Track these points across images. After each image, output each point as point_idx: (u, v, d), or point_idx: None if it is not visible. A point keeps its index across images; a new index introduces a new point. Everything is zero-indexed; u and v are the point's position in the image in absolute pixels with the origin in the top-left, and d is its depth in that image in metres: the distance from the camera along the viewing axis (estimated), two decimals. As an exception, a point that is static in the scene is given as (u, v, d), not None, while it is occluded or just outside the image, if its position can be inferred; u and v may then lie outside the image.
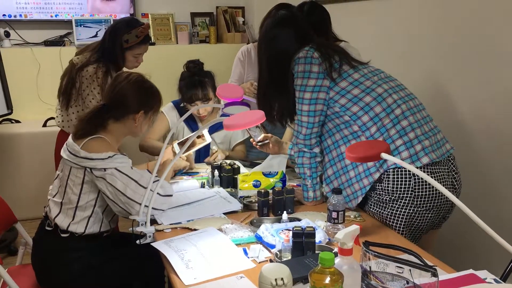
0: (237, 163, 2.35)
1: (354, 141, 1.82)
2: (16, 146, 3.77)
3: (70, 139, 1.94)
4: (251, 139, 2.24)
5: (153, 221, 1.85)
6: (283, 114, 2.03)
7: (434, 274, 1.15)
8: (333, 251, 1.42)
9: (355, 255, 1.23)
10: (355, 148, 1.41)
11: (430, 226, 1.85)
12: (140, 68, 2.72)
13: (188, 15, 4.83)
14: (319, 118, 1.88)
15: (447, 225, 2.00)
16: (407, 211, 1.75)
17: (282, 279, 1.17)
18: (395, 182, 1.74)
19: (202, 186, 2.24)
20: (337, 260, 1.18)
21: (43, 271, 1.96)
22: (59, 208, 1.92)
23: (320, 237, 1.58)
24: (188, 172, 2.43)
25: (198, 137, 2.41)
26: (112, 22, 4.32)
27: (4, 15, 4.20)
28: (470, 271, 1.39)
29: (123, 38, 2.62)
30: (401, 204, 1.75)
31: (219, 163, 2.35)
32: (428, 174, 1.73)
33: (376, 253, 1.23)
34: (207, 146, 2.60)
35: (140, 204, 1.78)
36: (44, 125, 3.90)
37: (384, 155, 1.32)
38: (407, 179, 1.72)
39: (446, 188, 1.46)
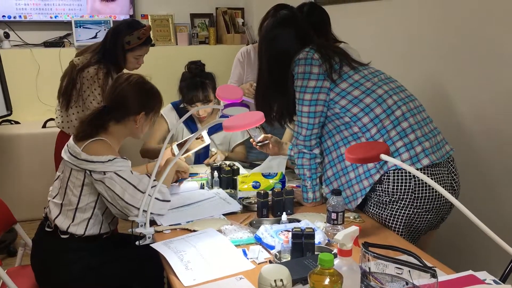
0: (237, 164, 2.35)
1: (354, 142, 1.82)
2: (16, 147, 3.77)
3: (71, 140, 1.94)
4: (251, 140, 2.24)
5: (153, 222, 1.85)
6: (282, 114, 2.03)
7: (434, 275, 1.15)
8: (333, 252, 1.42)
9: (355, 256, 1.23)
10: (355, 149, 1.41)
11: (429, 227, 1.85)
12: (139, 69, 2.72)
13: (188, 16, 4.83)
14: (319, 119, 1.88)
15: (447, 226, 2.00)
16: (406, 212, 1.75)
17: (281, 280, 1.16)
18: (395, 184, 1.74)
19: (202, 187, 2.24)
20: (336, 261, 1.17)
21: (43, 272, 1.96)
22: (59, 210, 1.92)
23: (319, 238, 1.58)
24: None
25: (197, 138, 2.41)
26: (111, 23, 4.33)
27: (3, 16, 4.20)
28: (470, 272, 1.39)
29: (124, 40, 2.63)
30: (401, 205, 1.75)
31: (218, 164, 2.35)
32: (428, 176, 1.73)
33: (375, 254, 1.23)
34: (207, 148, 2.60)
35: (138, 208, 1.78)
36: (44, 126, 3.90)
37: (383, 156, 1.32)
38: (408, 181, 1.72)
39: (445, 189, 1.46)
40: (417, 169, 1.72)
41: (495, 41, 2.22)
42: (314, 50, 1.85)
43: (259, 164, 2.44)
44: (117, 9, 4.55)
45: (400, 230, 1.77)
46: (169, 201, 1.91)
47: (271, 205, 1.90)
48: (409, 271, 1.18)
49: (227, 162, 2.36)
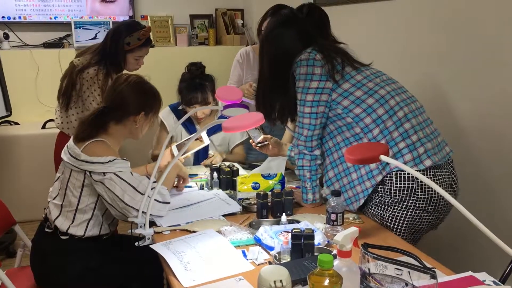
0: (236, 165, 2.35)
1: (355, 143, 1.81)
2: (15, 148, 3.77)
3: (71, 141, 1.94)
4: (251, 140, 2.24)
5: (152, 223, 1.84)
6: (283, 114, 2.02)
7: (433, 276, 1.15)
8: (332, 253, 1.42)
9: (354, 257, 1.23)
10: (354, 150, 1.41)
11: (429, 228, 1.85)
12: (139, 70, 2.73)
13: (187, 17, 4.83)
14: (320, 120, 1.87)
15: (446, 227, 2.00)
16: (409, 213, 1.75)
17: (281, 281, 1.16)
18: (398, 185, 1.73)
19: (201, 188, 2.24)
20: (336, 262, 1.17)
21: (42, 272, 1.96)
22: (59, 211, 1.92)
23: (319, 239, 1.58)
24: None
25: (197, 139, 2.41)
26: (111, 24, 4.34)
27: (3, 17, 4.20)
28: (469, 273, 1.39)
29: (124, 41, 2.63)
30: (403, 206, 1.75)
31: (218, 165, 2.35)
32: (430, 177, 1.73)
33: (375, 255, 1.23)
34: (206, 148, 2.60)
35: (137, 210, 1.78)
36: (43, 127, 3.90)
37: (383, 157, 1.32)
38: (410, 182, 1.72)
39: (446, 191, 1.46)
40: (420, 170, 1.72)
41: (495, 41, 2.22)
42: (316, 51, 1.85)
43: (258, 165, 2.44)
44: (116, 10, 4.55)
45: (402, 231, 1.77)
46: (168, 203, 1.91)
47: (270, 206, 1.90)
48: (409, 272, 1.18)
49: (227, 163, 2.36)
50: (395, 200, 1.75)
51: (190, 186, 2.24)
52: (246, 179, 2.08)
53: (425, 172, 1.73)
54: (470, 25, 2.34)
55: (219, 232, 1.74)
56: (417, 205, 1.74)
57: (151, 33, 2.75)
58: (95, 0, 4.46)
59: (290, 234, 1.53)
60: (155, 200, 1.81)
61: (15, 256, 2.28)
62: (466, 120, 2.41)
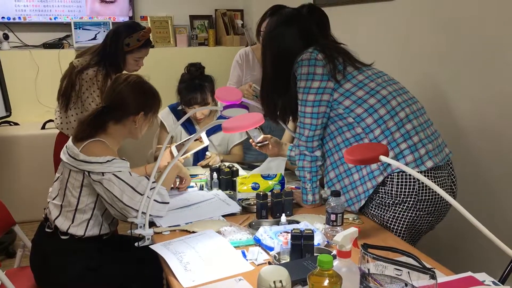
0: (236, 165, 2.35)
1: (356, 144, 1.81)
2: (15, 148, 3.77)
3: (70, 141, 1.94)
4: (250, 140, 2.24)
5: (152, 224, 1.84)
6: (285, 113, 2.02)
7: (433, 277, 1.15)
8: (332, 254, 1.42)
9: (354, 257, 1.23)
10: (353, 150, 1.41)
11: (429, 229, 1.85)
12: (139, 70, 2.73)
13: (187, 17, 4.83)
14: (322, 120, 1.87)
15: (446, 228, 2.00)
16: (409, 214, 1.75)
17: (280, 281, 1.16)
18: (399, 186, 1.73)
19: (201, 188, 2.24)
20: (335, 263, 1.17)
21: (42, 272, 1.96)
22: (59, 211, 1.92)
23: (318, 239, 1.58)
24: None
25: (196, 139, 2.41)
26: (111, 25, 4.34)
27: (3, 17, 4.20)
28: (469, 273, 1.39)
29: (124, 42, 2.63)
30: (404, 207, 1.75)
31: (217, 165, 2.35)
32: (431, 179, 1.73)
33: (374, 256, 1.23)
34: (205, 149, 2.61)
35: (137, 210, 1.78)
36: (43, 127, 3.89)
37: (382, 158, 1.32)
38: (411, 183, 1.72)
39: (445, 192, 1.46)
40: (422, 172, 1.72)
41: (495, 42, 2.22)
42: (318, 51, 1.84)
43: (258, 166, 2.44)
44: (116, 11, 4.55)
45: (402, 232, 1.77)
46: (167, 203, 1.91)
47: (270, 207, 1.90)
48: (408, 272, 1.18)
49: (226, 164, 2.36)
50: (396, 201, 1.75)
51: (192, 186, 2.24)
52: (245, 180, 2.08)
53: (426, 174, 1.73)
54: (470, 25, 2.34)
55: (219, 232, 1.74)
56: (418, 206, 1.74)
57: (150, 34, 2.75)
58: (95, 1, 4.46)
59: (289, 235, 1.53)
60: (154, 200, 1.80)
61: (15, 256, 2.28)
62: (466, 120, 2.41)
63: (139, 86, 2.00)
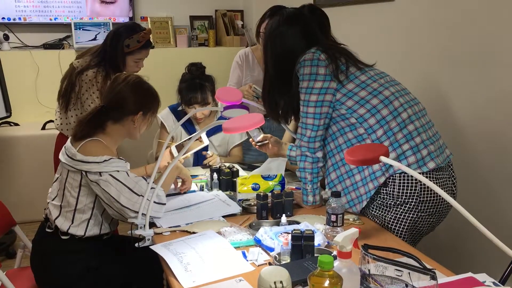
0: (236, 166, 2.35)
1: (358, 144, 1.81)
2: (15, 149, 3.77)
3: (68, 142, 1.94)
4: (250, 139, 2.24)
5: (152, 224, 1.85)
6: (287, 111, 2.01)
7: (433, 277, 1.15)
8: (332, 254, 1.42)
9: (354, 258, 1.23)
10: (354, 151, 1.41)
11: (430, 230, 1.85)
12: (139, 71, 2.73)
13: (187, 18, 4.83)
14: (324, 121, 1.86)
15: (446, 228, 2.00)
16: (411, 216, 1.75)
17: (281, 282, 1.16)
18: (401, 187, 1.73)
19: (201, 189, 2.24)
20: (336, 263, 1.18)
21: (43, 273, 1.96)
22: (59, 211, 1.92)
23: (319, 240, 1.58)
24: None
25: (196, 139, 2.41)
26: (111, 26, 4.33)
27: (3, 18, 4.20)
28: (469, 274, 1.39)
29: (124, 43, 2.62)
30: (406, 208, 1.75)
31: (218, 166, 2.35)
32: (432, 180, 1.73)
33: (375, 256, 1.23)
34: (206, 149, 2.61)
35: (134, 211, 1.79)
36: (43, 128, 3.90)
37: (382, 158, 1.32)
38: (413, 184, 1.72)
39: (446, 193, 1.46)
40: (423, 173, 1.72)
41: (496, 42, 2.22)
42: (321, 51, 1.83)
43: (258, 166, 2.44)
44: (116, 11, 4.56)
45: (403, 233, 1.77)
46: (164, 204, 1.90)
47: (270, 207, 1.90)
48: (409, 273, 1.18)
49: (227, 164, 2.36)
50: (398, 202, 1.75)
51: (194, 191, 2.23)
52: (246, 180, 2.08)
53: (427, 175, 1.73)
54: (471, 25, 2.34)
55: (219, 233, 1.74)
56: (419, 208, 1.74)
57: (151, 35, 2.75)
58: (95, 1, 4.47)
59: (290, 235, 1.53)
60: (148, 199, 1.80)
61: (15, 257, 2.28)
62: (466, 121, 2.41)
63: (138, 86, 2.00)
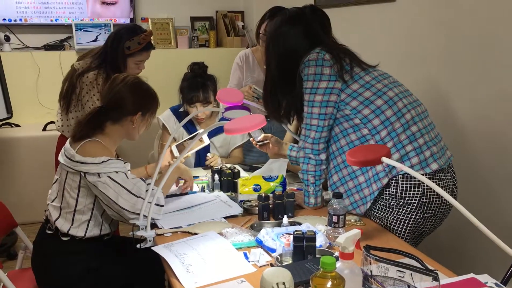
0: (237, 167, 2.35)
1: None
2: (16, 150, 3.77)
3: (67, 143, 1.94)
4: (251, 139, 2.24)
5: (154, 225, 1.84)
6: (290, 111, 2.00)
7: (436, 278, 1.15)
8: (334, 255, 1.42)
9: (356, 259, 1.23)
10: (355, 152, 1.41)
11: (431, 230, 1.85)
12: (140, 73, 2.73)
13: (188, 19, 4.84)
14: (328, 122, 1.85)
15: (447, 229, 2.00)
16: (413, 217, 1.75)
17: (283, 283, 1.16)
18: (404, 188, 1.73)
19: (202, 190, 2.24)
20: (338, 264, 1.17)
21: (43, 274, 1.97)
22: (59, 213, 1.92)
23: (320, 241, 1.58)
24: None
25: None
26: (112, 27, 4.34)
27: (4, 19, 4.20)
28: (471, 275, 1.38)
29: (125, 45, 2.62)
30: (408, 209, 1.75)
31: (219, 167, 2.35)
32: (435, 181, 1.73)
33: (377, 257, 1.23)
34: (207, 149, 2.61)
35: (133, 212, 1.79)
36: (44, 129, 3.90)
37: (384, 159, 1.32)
38: (416, 185, 1.72)
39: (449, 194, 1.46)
40: (426, 174, 1.72)
41: (497, 43, 2.22)
42: (325, 51, 1.83)
43: (259, 167, 2.44)
44: (117, 13, 4.56)
45: (406, 234, 1.77)
46: (162, 206, 1.90)
47: (272, 208, 1.90)
48: (411, 274, 1.18)
49: (228, 165, 2.36)
50: (400, 203, 1.75)
51: (195, 192, 2.23)
52: (247, 181, 2.08)
53: (430, 176, 1.73)
54: (472, 26, 2.34)
55: (221, 234, 1.74)
56: (422, 209, 1.74)
57: (151, 36, 2.74)
58: (96, 2, 4.47)
59: (291, 236, 1.53)
60: (149, 202, 1.80)
61: (16, 258, 2.28)
62: (466, 121, 2.41)
63: (137, 87, 2.00)
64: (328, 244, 1.61)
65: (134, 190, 1.82)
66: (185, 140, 2.44)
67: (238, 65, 2.99)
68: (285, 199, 1.90)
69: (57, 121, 2.79)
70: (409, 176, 1.72)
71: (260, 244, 1.64)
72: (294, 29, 1.91)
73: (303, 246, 1.49)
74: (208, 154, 2.62)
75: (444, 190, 1.65)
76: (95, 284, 1.91)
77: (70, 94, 2.66)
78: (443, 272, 1.43)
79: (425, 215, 1.75)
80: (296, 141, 2.23)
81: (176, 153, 2.35)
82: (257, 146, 2.22)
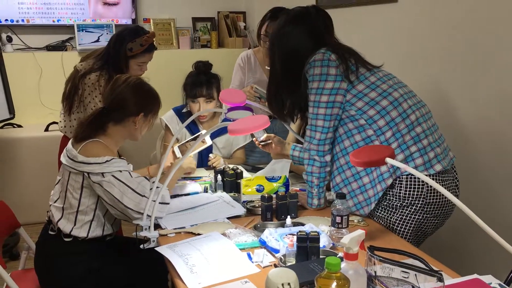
0: (240, 167, 2.35)
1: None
2: (18, 150, 3.77)
3: (69, 144, 1.94)
4: (254, 139, 2.24)
5: (157, 226, 1.85)
6: (294, 111, 2.00)
7: (440, 279, 1.15)
8: (338, 256, 1.42)
9: (360, 259, 1.23)
10: (359, 152, 1.41)
11: (434, 231, 1.85)
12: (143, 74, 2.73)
13: (190, 20, 4.84)
14: (334, 123, 1.85)
15: (450, 229, 2.00)
16: (416, 217, 1.75)
17: (289, 284, 1.16)
18: (408, 189, 1.73)
19: (205, 190, 2.24)
20: (342, 265, 1.18)
21: (46, 275, 1.97)
22: (61, 213, 1.92)
23: (324, 241, 1.58)
24: (190, 176, 2.42)
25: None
26: (114, 27, 4.34)
27: (6, 20, 4.21)
28: (475, 275, 1.38)
29: (127, 46, 2.61)
30: (412, 210, 1.75)
31: (222, 167, 2.35)
32: (439, 182, 1.73)
33: (381, 258, 1.23)
34: (209, 149, 2.61)
35: (137, 211, 1.79)
36: (46, 129, 3.90)
37: (388, 160, 1.32)
38: (420, 186, 1.72)
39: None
40: (430, 175, 1.72)
41: (498, 43, 2.22)
42: (331, 51, 1.82)
43: (262, 168, 2.44)
44: (119, 13, 4.56)
45: (408, 234, 1.77)
46: (168, 203, 1.91)
47: (275, 209, 1.90)
48: (415, 275, 1.18)
49: (231, 166, 2.37)
50: (404, 203, 1.75)
51: (197, 193, 2.23)
52: (250, 182, 2.08)
53: (433, 177, 1.73)
54: (472, 26, 2.34)
55: (224, 234, 1.74)
56: (425, 209, 1.74)
57: (154, 38, 2.74)
58: (97, 3, 4.48)
59: (295, 237, 1.53)
60: (154, 201, 1.80)
61: (19, 258, 2.28)
62: (467, 121, 2.41)
63: (139, 87, 2.00)
64: (331, 245, 1.61)
65: (139, 189, 1.82)
66: (187, 141, 2.45)
67: (239, 66, 2.99)
68: (288, 199, 1.90)
69: (60, 122, 2.79)
70: (413, 176, 1.72)
71: (263, 244, 1.65)
72: (297, 28, 1.90)
73: (307, 246, 1.49)
74: (211, 155, 2.62)
75: (448, 191, 1.65)
76: (97, 284, 1.91)
77: (73, 95, 2.66)
78: (446, 273, 1.43)
79: (428, 215, 1.75)
80: (298, 141, 2.23)
81: (178, 154, 2.36)
82: (260, 146, 2.22)
